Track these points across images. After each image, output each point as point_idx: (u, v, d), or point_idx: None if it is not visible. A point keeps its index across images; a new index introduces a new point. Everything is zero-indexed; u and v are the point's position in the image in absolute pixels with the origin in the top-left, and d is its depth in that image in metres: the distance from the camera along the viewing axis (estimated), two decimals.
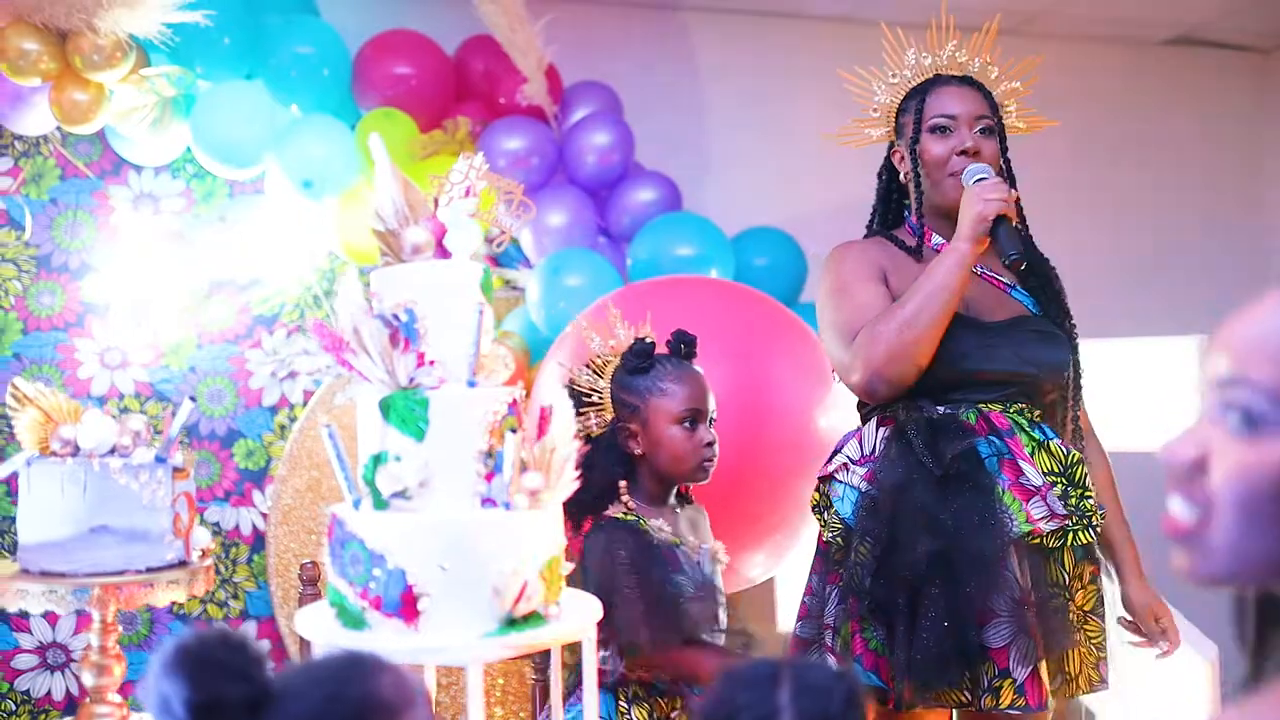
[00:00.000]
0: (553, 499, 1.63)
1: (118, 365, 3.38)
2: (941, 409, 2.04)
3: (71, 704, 3.26)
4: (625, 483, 2.07)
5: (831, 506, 2.09)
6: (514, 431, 1.61)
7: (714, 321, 2.61)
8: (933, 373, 2.02)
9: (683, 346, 2.14)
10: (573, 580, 1.77)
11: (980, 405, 2.05)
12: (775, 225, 3.49)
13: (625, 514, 2.04)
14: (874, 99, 2.23)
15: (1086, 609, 2.07)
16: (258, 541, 3.43)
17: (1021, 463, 2.00)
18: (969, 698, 1.95)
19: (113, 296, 3.37)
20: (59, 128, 3.19)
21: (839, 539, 2.05)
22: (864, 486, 2.03)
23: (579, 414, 2.01)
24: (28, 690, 3.27)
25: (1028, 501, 1.98)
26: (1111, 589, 2.21)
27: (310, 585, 2.57)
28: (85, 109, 3.04)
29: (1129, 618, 2.22)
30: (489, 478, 1.61)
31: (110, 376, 3.38)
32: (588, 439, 2.04)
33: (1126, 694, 3.08)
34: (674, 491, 2.14)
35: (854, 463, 2.08)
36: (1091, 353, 3.13)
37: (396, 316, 1.62)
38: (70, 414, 2.00)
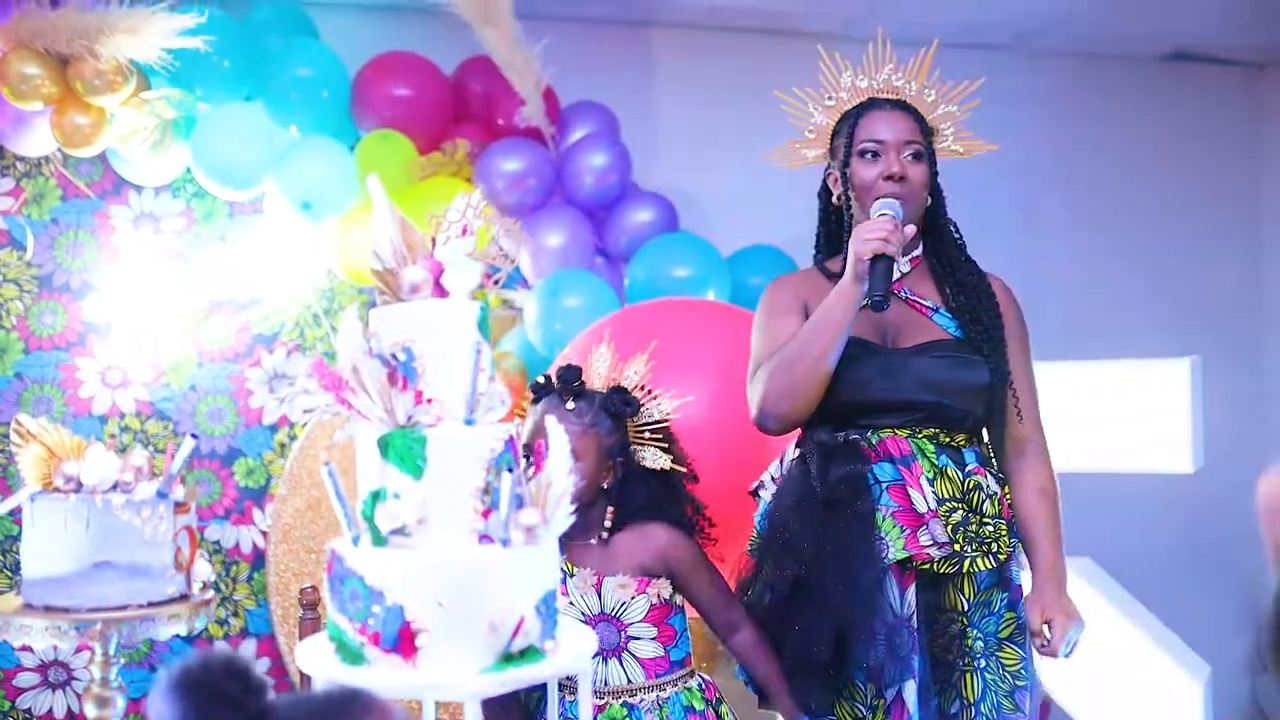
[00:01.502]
0: (548, 534, 1.65)
1: (119, 384, 3.41)
2: (844, 434, 2.08)
3: None
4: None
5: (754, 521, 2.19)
6: (510, 469, 1.63)
7: (712, 342, 2.65)
8: (839, 400, 2.08)
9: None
10: None
11: (884, 431, 2.08)
12: (773, 244, 3.50)
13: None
14: (810, 120, 2.26)
15: (1002, 636, 2.08)
16: (258, 560, 3.45)
17: (911, 490, 2.03)
18: (861, 713, 2.01)
19: (114, 316, 3.40)
20: (60, 148, 3.21)
21: (755, 552, 2.17)
22: (773, 505, 2.13)
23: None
24: (29, 708, 3.29)
25: (915, 529, 2.01)
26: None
27: (310, 610, 2.59)
28: (86, 132, 3.06)
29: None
30: (486, 514, 1.62)
31: (111, 395, 3.40)
32: None
33: (1117, 712, 3.10)
34: (589, 522, 2.11)
35: (773, 480, 2.18)
36: (1085, 374, 3.15)
37: (395, 355, 1.64)
38: (73, 450, 2.02)
